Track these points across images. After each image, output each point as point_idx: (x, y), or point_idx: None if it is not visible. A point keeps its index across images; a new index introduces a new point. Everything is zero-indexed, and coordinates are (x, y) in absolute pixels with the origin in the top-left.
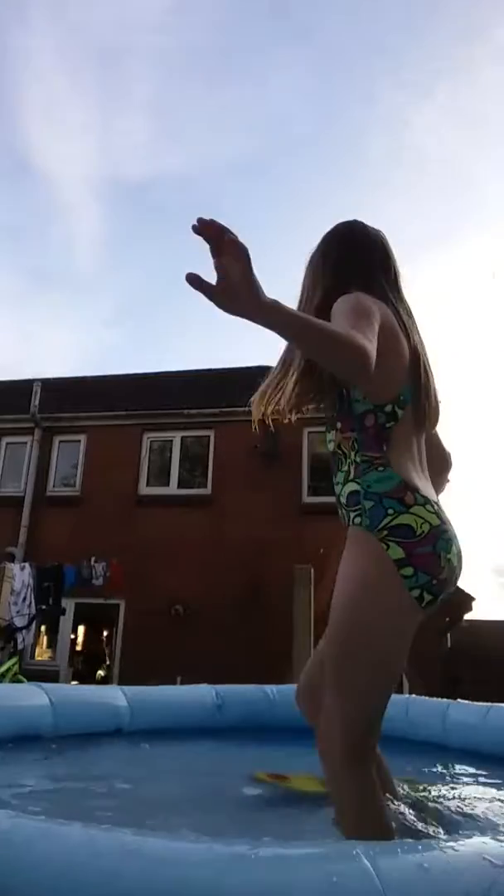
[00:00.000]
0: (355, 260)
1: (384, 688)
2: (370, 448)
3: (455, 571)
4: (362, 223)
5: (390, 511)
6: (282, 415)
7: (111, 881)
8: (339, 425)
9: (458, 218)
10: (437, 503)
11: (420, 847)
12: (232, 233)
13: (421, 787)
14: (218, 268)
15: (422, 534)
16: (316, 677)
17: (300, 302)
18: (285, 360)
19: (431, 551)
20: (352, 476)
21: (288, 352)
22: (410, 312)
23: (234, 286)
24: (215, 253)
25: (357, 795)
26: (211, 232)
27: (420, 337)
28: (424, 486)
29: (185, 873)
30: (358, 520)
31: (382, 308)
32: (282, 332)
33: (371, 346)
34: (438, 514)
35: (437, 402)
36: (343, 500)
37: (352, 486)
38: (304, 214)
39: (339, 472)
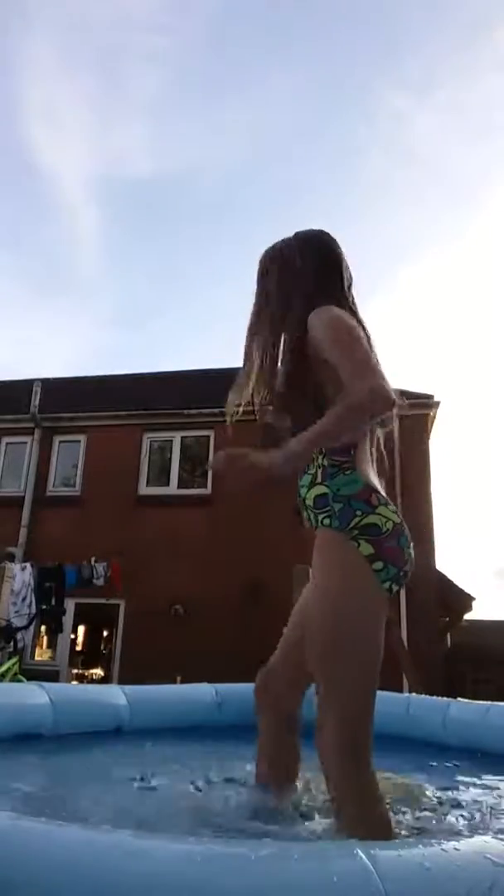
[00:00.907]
0: (331, 272)
1: (373, 680)
2: (337, 453)
3: (412, 564)
4: (329, 234)
5: (358, 512)
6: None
7: (111, 882)
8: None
9: (458, 217)
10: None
11: (421, 846)
12: (232, 460)
13: (417, 787)
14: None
15: (387, 531)
16: (279, 668)
17: (273, 299)
18: (260, 363)
19: (396, 545)
20: (319, 480)
21: (260, 351)
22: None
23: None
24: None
25: (358, 792)
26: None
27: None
28: (380, 487)
29: (185, 874)
30: (327, 521)
31: (354, 322)
32: (316, 449)
33: (379, 370)
34: (396, 513)
35: (388, 424)
36: (309, 502)
37: (319, 490)
38: (303, 214)
39: (305, 475)
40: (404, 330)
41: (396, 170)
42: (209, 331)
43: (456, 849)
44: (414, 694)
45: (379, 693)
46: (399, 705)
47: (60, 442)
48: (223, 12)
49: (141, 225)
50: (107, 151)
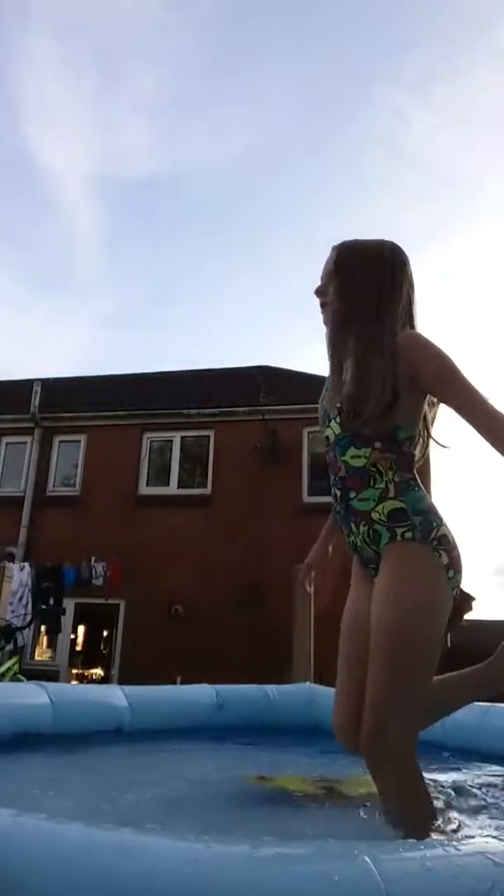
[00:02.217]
0: (408, 293)
1: (431, 680)
2: (407, 470)
3: None
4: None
5: (435, 524)
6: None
7: (111, 880)
8: (377, 445)
9: (457, 217)
10: None
11: (422, 846)
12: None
13: None
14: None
15: (453, 541)
16: (358, 706)
17: (367, 308)
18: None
19: (458, 554)
20: (391, 495)
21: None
22: None
23: None
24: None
25: (419, 786)
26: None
27: None
28: None
29: (185, 873)
30: (409, 534)
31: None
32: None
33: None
34: None
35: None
36: (380, 516)
37: (395, 504)
38: (303, 213)
39: (370, 489)
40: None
41: (395, 168)
42: (209, 331)
43: (457, 849)
44: None
45: None
46: None
47: (60, 442)
48: (222, 11)
49: (140, 224)
50: (106, 150)
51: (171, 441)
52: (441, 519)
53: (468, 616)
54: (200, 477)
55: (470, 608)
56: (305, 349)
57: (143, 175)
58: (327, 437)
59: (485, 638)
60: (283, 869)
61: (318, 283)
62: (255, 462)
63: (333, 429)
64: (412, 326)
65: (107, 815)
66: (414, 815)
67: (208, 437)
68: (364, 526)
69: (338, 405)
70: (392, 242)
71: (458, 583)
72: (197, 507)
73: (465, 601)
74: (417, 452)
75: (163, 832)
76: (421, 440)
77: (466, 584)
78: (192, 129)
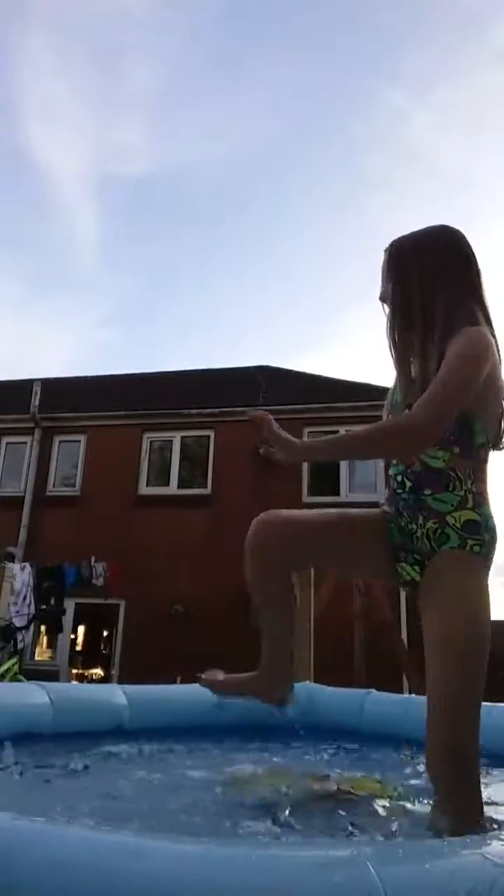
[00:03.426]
0: (471, 276)
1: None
2: (481, 481)
3: None
4: (459, 232)
5: (495, 546)
6: None
7: (111, 882)
8: (455, 450)
9: (456, 215)
10: None
11: (421, 847)
12: (264, 417)
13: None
14: (261, 440)
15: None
16: None
17: (418, 304)
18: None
19: None
20: (470, 505)
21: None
22: None
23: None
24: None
25: (476, 796)
26: (257, 421)
27: None
28: None
29: (184, 874)
30: (477, 549)
31: (494, 348)
32: (325, 459)
33: (445, 413)
34: None
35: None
36: (455, 522)
37: (471, 515)
38: (303, 212)
39: (448, 493)
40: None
41: (395, 166)
42: (209, 331)
43: (456, 850)
44: (415, 695)
45: (381, 694)
46: (400, 706)
47: (60, 442)
48: (221, 9)
49: (140, 223)
50: (105, 148)
51: (171, 441)
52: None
53: None
54: (200, 477)
55: None
56: (305, 349)
57: (143, 174)
58: None
59: None
60: (281, 869)
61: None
62: (255, 462)
63: None
64: (483, 306)
65: (106, 816)
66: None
67: (208, 437)
68: (434, 524)
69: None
70: (442, 226)
71: None
72: (197, 507)
73: None
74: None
75: (163, 834)
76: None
77: None
78: (191, 128)
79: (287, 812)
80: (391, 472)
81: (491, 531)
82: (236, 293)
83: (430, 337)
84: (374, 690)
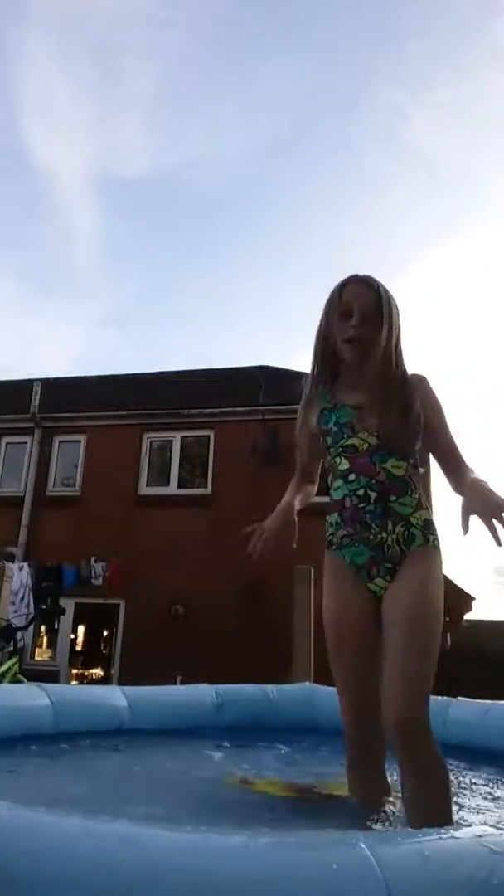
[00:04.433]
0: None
1: None
2: (425, 488)
3: None
4: None
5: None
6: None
7: (110, 872)
8: (410, 461)
9: (455, 215)
10: None
11: (420, 834)
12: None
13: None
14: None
15: None
16: (374, 691)
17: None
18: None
19: None
20: (424, 506)
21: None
22: None
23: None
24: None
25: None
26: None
27: None
28: None
29: (183, 863)
30: (437, 543)
31: None
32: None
33: None
34: None
35: None
36: (418, 521)
37: (426, 514)
38: (302, 211)
39: (408, 496)
40: (403, 329)
41: (395, 166)
42: (209, 331)
43: (454, 837)
44: None
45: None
46: None
47: (60, 442)
48: (220, 8)
49: (139, 222)
50: (104, 148)
51: (171, 441)
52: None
53: (468, 616)
54: (200, 477)
55: (470, 608)
56: (305, 349)
57: (142, 173)
58: (353, 446)
59: (485, 638)
60: (281, 858)
61: (355, 311)
62: (255, 462)
63: (368, 440)
64: None
65: (107, 810)
66: (446, 786)
67: (208, 437)
68: (402, 527)
69: (376, 427)
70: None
71: None
72: (197, 507)
73: (465, 601)
74: None
75: (160, 823)
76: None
77: (466, 584)
78: (190, 127)
79: (296, 812)
80: (345, 490)
81: (435, 528)
82: (236, 293)
83: (391, 380)
84: None
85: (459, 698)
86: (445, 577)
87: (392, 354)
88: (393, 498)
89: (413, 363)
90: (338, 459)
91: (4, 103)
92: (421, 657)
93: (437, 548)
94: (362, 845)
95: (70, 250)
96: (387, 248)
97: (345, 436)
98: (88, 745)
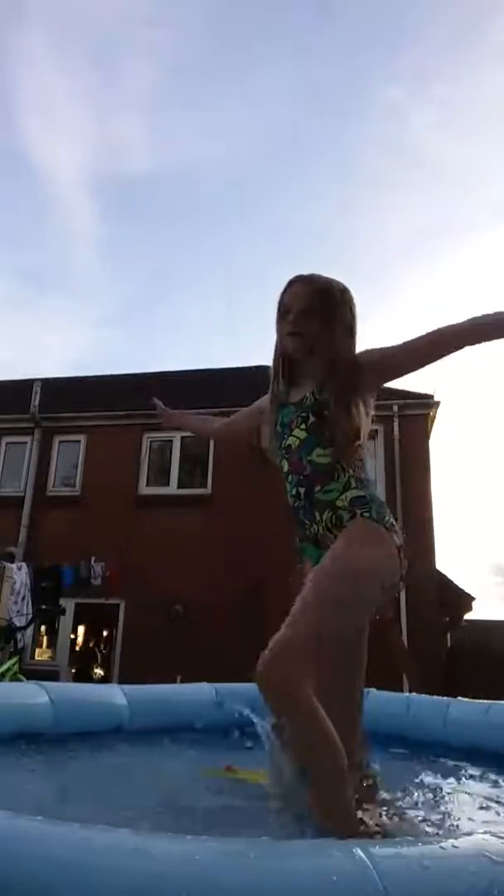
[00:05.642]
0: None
1: (349, 626)
2: (363, 470)
3: None
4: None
5: (387, 515)
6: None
7: (109, 881)
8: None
9: (455, 214)
10: None
11: (420, 844)
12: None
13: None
14: None
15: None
16: None
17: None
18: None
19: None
20: (354, 486)
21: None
22: None
23: None
24: None
25: (323, 726)
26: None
27: None
28: None
29: (182, 872)
30: (367, 514)
31: None
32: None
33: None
34: None
35: None
36: (344, 503)
37: (356, 493)
38: (302, 210)
39: (334, 482)
40: (403, 329)
41: (395, 166)
42: (209, 331)
43: (455, 847)
44: (414, 693)
45: (380, 693)
46: (399, 705)
47: (60, 442)
48: (220, 7)
49: (139, 222)
50: (104, 147)
51: (171, 441)
52: (389, 513)
53: (468, 616)
54: (200, 477)
55: (470, 608)
56: None
57: (142, 172)
58: (290, 446)
59: (484, 638)
60: (281, 868)
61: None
62: (254, 462)
63: (298, 435)
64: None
65: (106, 815)
66: (317, 764)
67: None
68: (328, 513)
69: (303, 415)
70: (342, 283)
71: (404, 570)
72: (197, 507)
73: (465, 601)
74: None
75: (162, 831)
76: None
77: (466, 584)
78: (189, 126)
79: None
80: (288, 493)
81: (376, 502)
82: (236, 292)
83: (336, 369)
84: (373, 689)
85: (459, 698)
86: (442, 576)
87: (334, 343)
88: (318, 489)
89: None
90: (282, 463)
91: (4, 102)
92: (306, 610)
93: (367, 517)
94: (362, 854)
95: (70, 250)
96: (387, 248)
97: (284, 436)
98: (88, 745)
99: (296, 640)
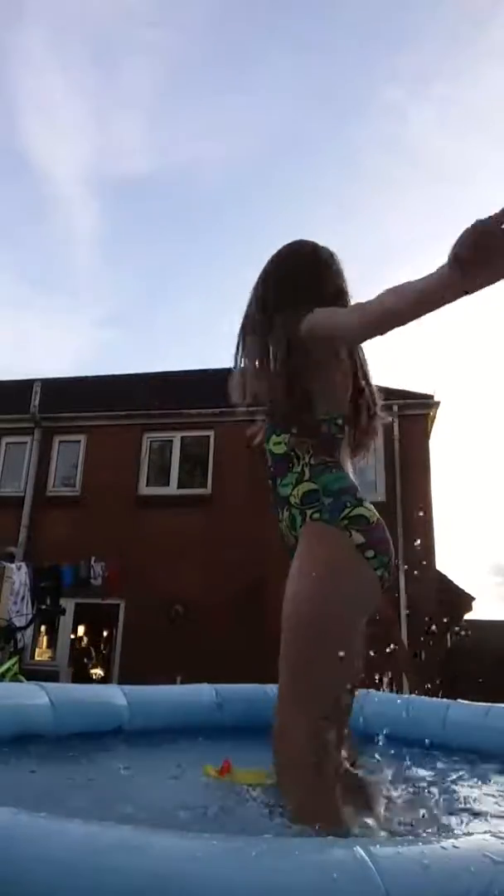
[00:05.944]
0: (309, 285)
1: (347, 671)
2: (325, 453)
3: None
4: (314, 244)
5: (348, 504)
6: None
7: (111, 877)
8: (294, 430)
9: (455, 213)
10: None
11: (420, 844)
12: None
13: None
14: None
15: (374, 522)
16: None
17: (262, 307)
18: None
19: (384, 536)
20: (306, 477)
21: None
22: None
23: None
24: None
25: (324, 807)
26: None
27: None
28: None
29: (183, 869)
30: (316, 515)
31: None
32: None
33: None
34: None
35: (373, 435)
36: (296, 500)
37: (308, 486)
38: (302, 210)
39: (290, 474)
40: (403, 329)
41: (394, 164)
42: (209, 330)
43: (455, 847)
44: (413, 694)
45: (378, 693)
46: (398, 706)
47: (60, 442)
48: (220, 6)
49: (139, 221)
50: (104, 147)
51: (171, 441)
52: (358, 500)
53: (468, 616)
54: (200, 477)
55: (470, 608)
56: None
57: (142, 172)
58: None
59: (484, 638)
60: (281, 866)
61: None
62: (254, 462)
63: (265, 424)
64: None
65: (106, 815)
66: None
67: (208, 437)
68: (286, 511)
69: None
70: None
71: (384, 563)
72: (197, 507)
73: (465, 601)
74: (345, 439)
75: (163, 829)
76: (361, 419)
77: (466, 584)
78: (189, 126)
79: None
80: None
81: (333, 493)
82: (236, 292)
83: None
84: (372, 690)
85: (459, 700)
86: (442, 576)
87: (257, 316)
88: (279, 481)
89: (414, 363)
90: None
91: (3, 102)
92: (289, 668)
93: (317, 520)
94: (362, 853)
95: (70, 250)
96: (387, 246)
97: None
98: (88, 745)
99: (293, 713)
